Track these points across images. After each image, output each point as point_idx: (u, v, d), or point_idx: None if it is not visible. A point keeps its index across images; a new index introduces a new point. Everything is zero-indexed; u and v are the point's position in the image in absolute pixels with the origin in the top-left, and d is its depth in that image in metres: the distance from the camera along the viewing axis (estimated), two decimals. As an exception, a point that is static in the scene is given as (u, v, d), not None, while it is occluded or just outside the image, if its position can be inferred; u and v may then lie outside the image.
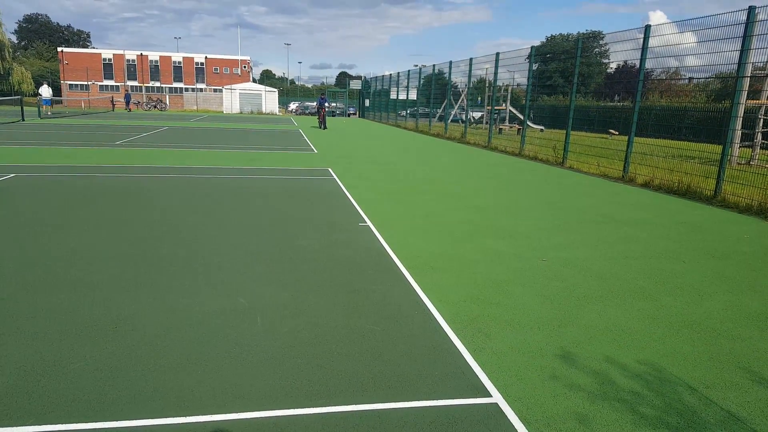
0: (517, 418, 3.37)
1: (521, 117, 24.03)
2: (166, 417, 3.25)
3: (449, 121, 33.43)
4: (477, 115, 40.67)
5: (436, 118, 37.29)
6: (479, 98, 41.15)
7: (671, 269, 6.69)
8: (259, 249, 6.88)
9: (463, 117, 31.78)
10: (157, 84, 76.03)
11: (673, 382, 3.88)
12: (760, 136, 17.98)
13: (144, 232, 7.54)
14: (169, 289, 5.37)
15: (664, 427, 3.32)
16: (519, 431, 3.24)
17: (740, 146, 17.97)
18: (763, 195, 10.94)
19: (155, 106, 63.46)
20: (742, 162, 17.51)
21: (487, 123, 29.36)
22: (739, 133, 17.48)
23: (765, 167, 16.20)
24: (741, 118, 17.43)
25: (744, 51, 11.61)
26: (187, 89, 76.81)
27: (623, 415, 3.44)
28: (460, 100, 36.40)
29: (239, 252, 6.72)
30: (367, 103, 61.03)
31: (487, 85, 35.08)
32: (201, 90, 76.01)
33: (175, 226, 7.99)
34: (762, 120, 18.06)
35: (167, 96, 72.89)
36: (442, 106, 36.35)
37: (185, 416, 3.27)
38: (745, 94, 17.48)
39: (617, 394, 3.68)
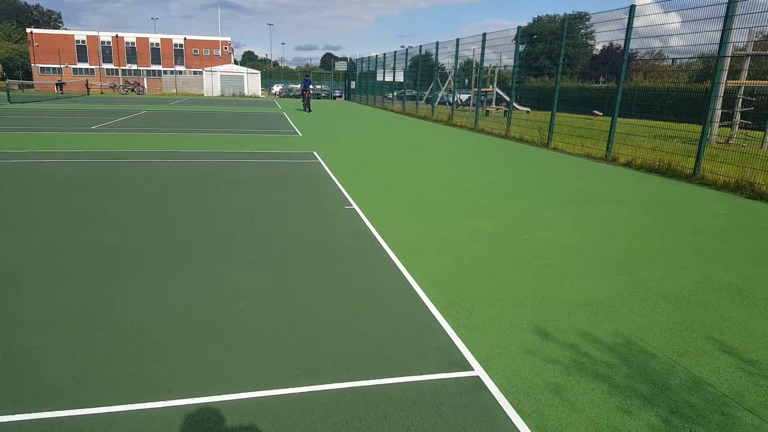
0: (497, 389, 3.51)
1: (508, 99, 24.14)
2: (146, 402, 3.28)
3: (436, 103, 33.42)
4: (464, 97, 40.67)
5: (423, 100, 37.24)
6: (466, 80, 41.10)
7: (649, 245, 6.87)
8: (242, 234, 6.94)
9: (450, 99, 31.77)
10: (134, 67, 74.21)
11: (646, 352, 4.05)
12: (738, 115, 18.25)
13: (122, 220, 7.52)
14: (150, 276, 5.39)
15: (636, 395, 3.48)
16: (499, 402, 3.37)
17: (720, 126, 18.24)
18: (739, 173, 11.18)
19: (132, 90, 62.43)
20: (722, 141, 17.79)
21: (474, 105, 29.39)
22: (718, 112, 17.75)
23: (743, 146, 16.50)
24: (721, 98, 17.71)
25: (725, 31, 11.75)
26: (165, 72, 75.26)
27: (597, 384, 3.59)
28: (447, 82, 36.34)
29: (221, 238, 6.77)
30: (353, 85, 60.62)
31: (474, 66, 35.05)
32: (180, 72, 74.37)
33: (156, 212, 7.99)
34: (741, 100, 18.32)
35: (145, 79, 71.68)
36: (429, 88, 36.30)
37: (166, 400, 3.30)
38: (725, 74, 17.71)
39: (592, 365, 3.84)
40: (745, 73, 17.94)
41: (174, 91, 64.79)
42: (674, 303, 4.99)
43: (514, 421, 3.17)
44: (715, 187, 11.25)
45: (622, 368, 3.81)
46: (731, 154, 12.06)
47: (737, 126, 18.26)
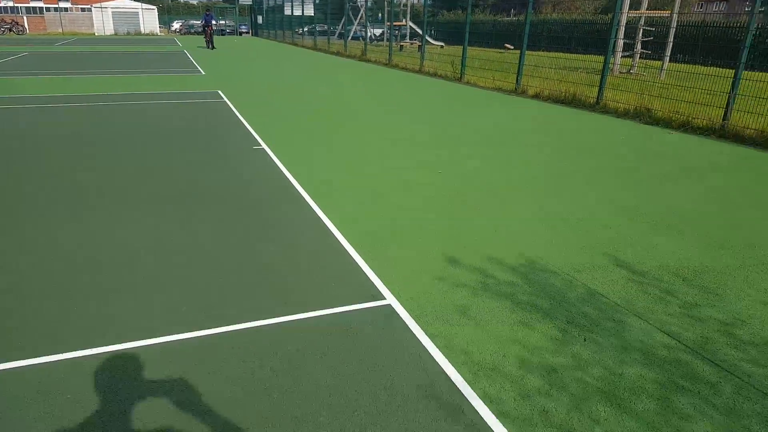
0: (408, 315, 3.57)
1: (421, 33, 23.85)
2: (52, 354, 3.12)
3: (349, 38, 32.49)
4: (378, 32, 39.78)
5: (336, 35, 36.08)
6: (379, 14, 40.10)
7: (554, 171, 7.17)
8: (144, 181, 6.52)
9: (363, 34, 30.96)
10: (10, 3, 66.24)
11: (547, 270, 4.26)
12: (639, 45, 19.11)
13: (10, 173, 6.87)
14: (48, 228, 5.00)
15: (537, 310, 3.66)
16: (410, 326, 3.44)
17: (622, 56, 19.04)
18: (638, 100, 11.81)
19: (11, 29, 55.80)
20: (623, 71, 18.65)
21: (387, 40, 28.83)
22: (621, 43, 18.45)
23: (643, 75, 17.38)
24: (623, 28, 18.39)
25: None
26: (48, 9, 67.71)
27: (501, 303, 3.75)
28: (359, 17, 35.30)
29: (121, 186, 6.34)
30: (260, 20, 57.60)
31: (386, 0, 34.14)
32: (66, 10, 67.25)
33: (48, 165, 7.34)
34: (641, 30, 19.14)
35: (24, 17, 64.27)
36: (341, 22, 35.12)
37: (71, 352, 3.15)
38: (627, 4, 18.30)
39: (497, 286, 3.99)
40: (645, 4, 18.65)
41: (60, 30, 58.58)
42: (575, 225, 5.25)
43: (423, 343, 3.25)
44: (616, 115, 11.83)
45: (524, 287, 3.99)
46: (631, 83, 12.67)
47: (638, 56, 19.14)
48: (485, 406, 2.71)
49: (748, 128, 9.48)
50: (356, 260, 4.38)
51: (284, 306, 3.65)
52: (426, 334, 3.35)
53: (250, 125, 9.88)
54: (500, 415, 2.66)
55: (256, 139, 8.77)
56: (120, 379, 2.90)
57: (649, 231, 5.13)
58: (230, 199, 5.78)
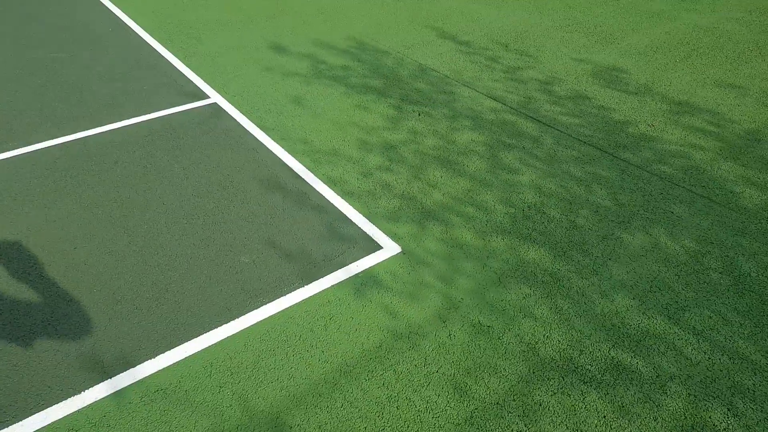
0: (237, 111, 3.24)
1: None
2: None
3: None
4: None
5: None
6: None
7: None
8: None
9: None
10: None
11: (377, 50, 4.06)
12: None
13: None
14: None
15: (371, 91, 3.53)
16: (240, 122, 3.14)
17: None
18: None
19: None
20: None
21: None
22: None
23: None
24: None
25: None
26: None
27: (335, 88, 3.54)
28: None
29: None
30: None
31: None
32: None
33: None
34: None
35: None
36: None
37: None
38: None
39: (329, 71, 3.74)
40: None
41: None
42: (403, 1, 4.98)
43: (258, 137, 3.01)
44: None
45: (357, 69, 3.79)
46: None
47: None
48: (329, 189, 2.65)
49: None
50: (168, 58, 3.78)
51: (96, 116, 3.10)
52: (259, 127, 3.09)
53: None
54: (345, 194, 2.63)
55: None
56: None
57: (471, 1, 5.05)
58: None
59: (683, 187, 2.78)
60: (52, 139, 2.94)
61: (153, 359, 1.87)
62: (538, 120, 3.29)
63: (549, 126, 3.23)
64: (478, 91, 3.57)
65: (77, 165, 2.74)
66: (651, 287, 2.24)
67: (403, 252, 2.33)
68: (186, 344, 1.92)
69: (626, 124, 3.26)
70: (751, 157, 3.01)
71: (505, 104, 3.44)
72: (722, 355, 2.00)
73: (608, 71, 3.87)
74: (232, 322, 2.00)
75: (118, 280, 2.14)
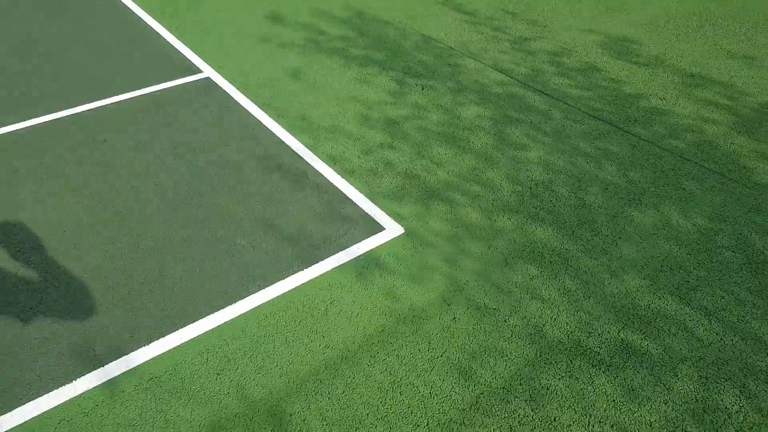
0: (231, 86, 3.14)
1: None
2: None
3: None
4: None
5: None
6: None
7: None
8: None
9: None
10: None
11: (379, 20, 3.92)
12: None
13: None
14: None
15: (373, 63, 3.41)
16: (235, 98, 3.04)
17: None
18: None
19: None
20: None
21: None
22: None
23: None
24: None
25: None
26: None
27: (335, 61, 3.42)
28: None
29: None
30: None
31: None
32: None
33: None
34: None
35: None
36: None
37: None
38: None
39: (328, 42, 3.62)
40: None
41: None
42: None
43: (254, 114, 2.91)
44: None
45: (357, 40, 3.66)
46: None
47: None
48: (329, 168, 2.57)
49: None
50: (161, 33, 3.66)
51: (92, 92, 3.00)
52: (255, 103, 2.99)
53: None
54: (345, 173, 2.54)
55: None
56: None
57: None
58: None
59: (695, 162, 2.68)
60: (39, 116, 2.85)
61: (147, 346, 1.81)
62: (546, 93, 3.17)
63: (558, 99, 3.12)
64: (484, 63, 3.45)
65: (65, 144, 2.65)
66: (662, 266, 2.17)
67: (406, 233, 2.26)
68: (181, 331, 1.86)
69: (637, 98, 3.15)
70: (766, 132, 2.91)
71: (512, 77, 3.32)
72: (734, 335, 1.94)
73: (619, 42, 3.73)
74: (228, 308, 1.94)
75: (109, 265, 2.08)
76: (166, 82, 3.15)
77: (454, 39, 3.72)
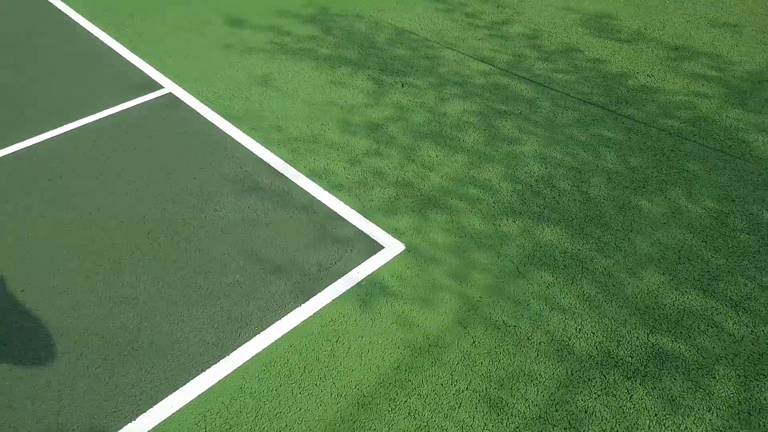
0: (195, 100, 2.90)
1: None
2: None
3: None
4: None
5: None
6: None
7: None
8: None
9: None
10: None
11: (348, 14, 3.69)
12: None
13: None
14: None
15: (346, 63, 3.20)
16: (201, 113, 2.81)
17: None
18: None
19: None
20: None
21: None
22: None
23: None
24: None
25: None
26: None
27: (305, 62, 3.20)
28: None
29: None
30: None
31: None
32: None
33: None
34: None
35: None
36: None
37: None
38: None
39: (295, 44, 3.38)
40: None
41: None
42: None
43: (225, 129, 2.68)
44: None
45: (326, 38, 3.43)
46: None
47: None
48: (314, 183, 2.36)
49: None
50: (116, 49, 3.37)
51: (55, 117, 2.72)
52: (224, 117, 2.76)
53: None
54: (333, 188, 2.34)
55: None
56: None
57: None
58: None
59: (694, 141, 2.56)
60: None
61: (134, 421, 1.59)
62: (531, 80, 3.01)
63: (544, 86, 2.96)
64: (463, 53, 3.27)
65: (14, 184, 2.38)
66: (679, 258, 2.04)
67: (407, 249, 2.07)
68: (171, 397, 1.64)
69: (624, 77, 3.01)
70: (757, 101, 2.81)
71: (494, 65, 3.15)
72: (765, 325, 1.83)
73: (597, 19, 3.59)
74: (221, 362, 1.72)
75: (78, 326, 1.84)
76: (124, 102, 2.88)
77: (429, 29, 3.52)
